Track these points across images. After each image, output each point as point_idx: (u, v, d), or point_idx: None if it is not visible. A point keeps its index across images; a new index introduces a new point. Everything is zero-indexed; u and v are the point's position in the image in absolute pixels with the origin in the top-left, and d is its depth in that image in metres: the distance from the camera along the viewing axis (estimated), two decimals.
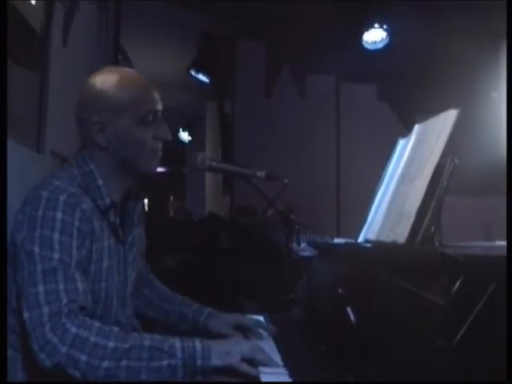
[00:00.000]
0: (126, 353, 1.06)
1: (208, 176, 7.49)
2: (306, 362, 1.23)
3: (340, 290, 1.33)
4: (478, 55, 4.24)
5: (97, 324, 1.10)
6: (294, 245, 1.96)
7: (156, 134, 1.31)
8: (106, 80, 1.29)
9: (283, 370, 1.14)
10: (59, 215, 1.16)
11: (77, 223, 1.18)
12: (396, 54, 4.40)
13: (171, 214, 6.62)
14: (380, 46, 4.38)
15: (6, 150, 1.38)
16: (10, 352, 1.21)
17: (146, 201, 9.25)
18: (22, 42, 1.73)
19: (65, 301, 1.08)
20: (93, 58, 3.04)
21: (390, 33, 4.30)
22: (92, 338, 1.06)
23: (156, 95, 1.32)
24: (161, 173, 9.50)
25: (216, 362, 1.11)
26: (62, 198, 1.17)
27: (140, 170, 1.33)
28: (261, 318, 1.59)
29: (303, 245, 2.32)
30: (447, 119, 1.17)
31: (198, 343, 1.13)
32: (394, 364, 0.89)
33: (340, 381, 1.05)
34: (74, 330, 1.06)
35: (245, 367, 1.12)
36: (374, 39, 4.38)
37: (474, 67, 4.26)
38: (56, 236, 1.14)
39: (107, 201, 1.27)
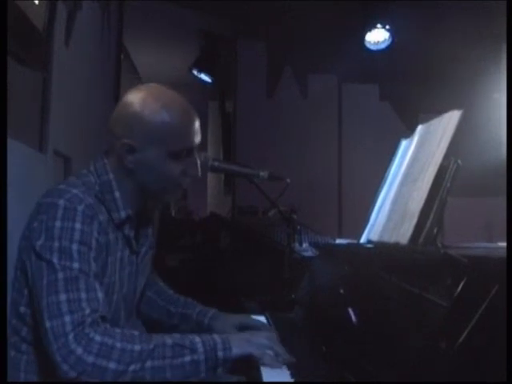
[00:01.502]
0: (150, 353, 1.07)
1: (210, 176, 7.48)
2: (307, 362, 1.22)
3: (342, 291, 1.33)
4: (480, 56, 4.23)
5: (118, 330, 1.10)
6: (296, 245, 1.96)
7: (186, 169, 1.27)
8: (148, 104, 1.23)
9: (284, 370, 1.14)
10: (78, 225, 1.14)
11: (95, 234, 1.17)
12: (398, 54, 4.39)
13: (173, 213, 6.61)
14: (382, 46, 4.36)
15: (6, 150, 1.38)
16: (12, 353, 1.20)
17: None
18: (24, 42, 1.73)
19: (87, 310, 1.08)
20: (95, 58, 3.04)
21: (393, 33, 4.29)
22: (118, 344, 1.06)
23: (196, 129, 1.27)
24: None
25: (237, 350, 1.13)
26: (80, 208, 1.15)
27: (160, 198, 1.32)
28: (262, 319, 1.59)
29: (305, 245, 2.31)
30: (450, 120, 1.16)
31: (216, 336, 1.15)
32: (396, 365, 0.89)
33: (341, 381, 1.04)
34: (98, 338, 1.05)
35: (267, 357, 1.14)
36: (376, 39, 4.36)
37: (477, 68, 4.25)
38: (75, 246, 1.13)
39: (122, 214, 1.25)
